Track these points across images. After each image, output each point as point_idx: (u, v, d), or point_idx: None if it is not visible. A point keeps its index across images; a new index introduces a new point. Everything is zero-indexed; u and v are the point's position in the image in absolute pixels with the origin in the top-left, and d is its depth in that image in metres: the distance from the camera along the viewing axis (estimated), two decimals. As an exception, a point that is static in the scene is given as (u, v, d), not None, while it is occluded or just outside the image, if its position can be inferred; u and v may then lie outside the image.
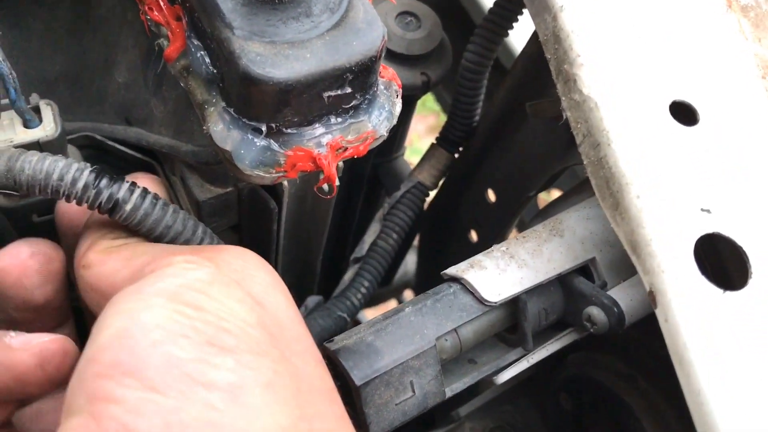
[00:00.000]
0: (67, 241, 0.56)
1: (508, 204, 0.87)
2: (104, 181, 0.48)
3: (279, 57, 0.45)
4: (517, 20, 0.76)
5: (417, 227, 0.97)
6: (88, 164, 0.49)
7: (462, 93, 0.81)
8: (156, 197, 0.50)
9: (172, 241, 0.50)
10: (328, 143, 0.49)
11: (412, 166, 0.92)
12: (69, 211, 0.56)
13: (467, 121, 0.85)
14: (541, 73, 0.72)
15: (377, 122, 0.51)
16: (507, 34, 0.77)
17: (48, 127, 0.57)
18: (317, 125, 0.49)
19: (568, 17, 0.50)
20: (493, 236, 0.94)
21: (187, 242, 0.50)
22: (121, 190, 0.49)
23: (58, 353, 0.46)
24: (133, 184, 0.49)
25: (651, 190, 0.45)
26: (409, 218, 0.87)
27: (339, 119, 0.50)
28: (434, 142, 0.90)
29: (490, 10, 0.76)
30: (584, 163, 0.49)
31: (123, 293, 0.39)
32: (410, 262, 1.31)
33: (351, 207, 1.00)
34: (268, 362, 0.37)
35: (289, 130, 0.48)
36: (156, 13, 0.53)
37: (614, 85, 0.48)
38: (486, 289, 0.51)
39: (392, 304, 1.54)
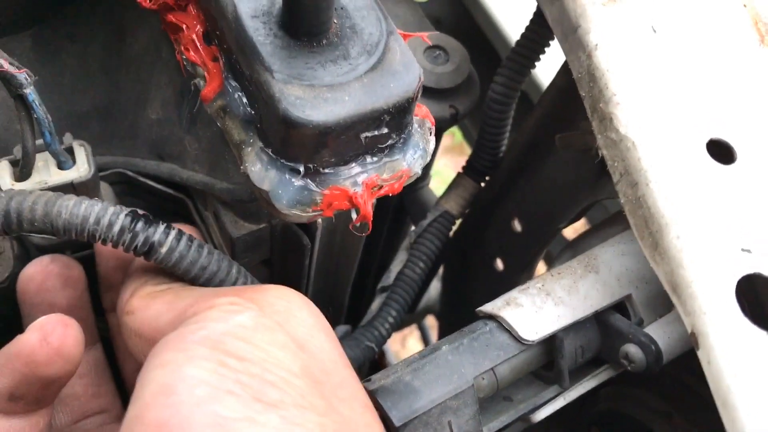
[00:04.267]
0: (105, 264, 0.57)
1: (535, 234, 0.87)
2: (140, 225, 0.49)
3: (318, 100, 0.45)
4: (544, 52, 0.76)
5: (443, 255, 0.97)
6: (124, 207, 0.50)
7: (489, 123, 0.82)
8: (191, 239, 0.50)
9: (208, 281, 0.50)
10: (363, 182, 0.50)
11: (436, 195, 0.92)
12: (105, 253, 0.57)
13: (494, 151, 0.85)
14: (570, 105, 0.72)
15: (412, 160, 0.51)
16: (534, 66, 0.77)
17: (82, 168, 0.58)
18: (353, 165, 0.49)
19: (603, 55, 0.51)
20: (519, 266, 0.93)
21: (222, 282, 0.51)
22: (157, 233, 0.49)
23: (59, 325, 0.45)
24: (169, 226, 0.50)
25: (690, 230, 0.45)
26: (436, 247, 0.87)
27: (375, 158, 0.50)
28: (461, 171, 0.90)
29: (518, 41, 0.76)
30: (621, 201, 0.49)
31: (165, 342, 0.39)
32: (433, 288, 1.30)
33: (376, 236, 1.01)
34: (313, 417, 0.37)
35: (326, 170, 0.49)
36: (192, 53, 0.53)
37: (651, 123, 0.48)
38: (523, 328, 0.51)
39: (413, 329, 1.54)
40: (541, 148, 0.79)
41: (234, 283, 0.51)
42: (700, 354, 0.43)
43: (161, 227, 0.49)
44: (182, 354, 0.38)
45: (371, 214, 0.50)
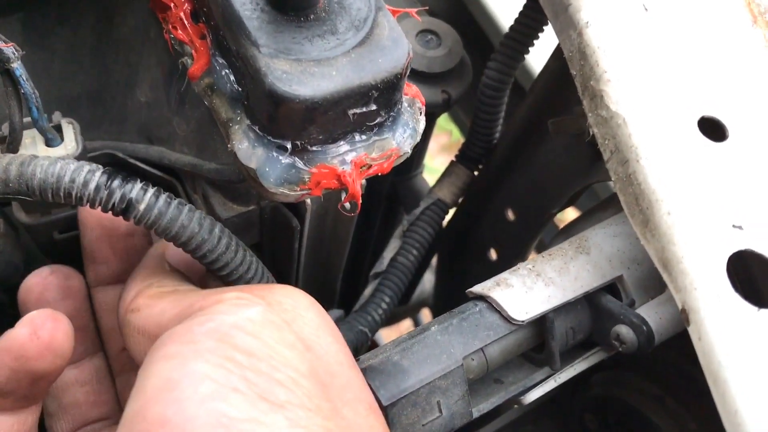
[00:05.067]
0: (89, 234, 0.56)
1: (528, 222, 0.86)
2: (116, 182, 0.47)
3: (305, 75, 0.45)
4: (538, 37, 0.75)
5: (436, 245, 0.96)
6: (100, 166, 0.49)
7: (482, 110, 0.81)
8: (171, 196, 0.49)
9: (190, 239, 0.49)
10: (352, 161, 0.49)
11: (429, 185, 0.92)
12: (90, 223, 0.56)
13: (487, 138, 0.84)
14: (563, 90, 0.72)
15: (401, 139, 0.51)
16: (528, 51, 0.77)
17: (69, 145, 0.57)
18: (342, 142, 0.49)
19: (594, 33, 0.50)
20: (512, 255, 0.93)
21: (204, 241, 0.49)
22: (134, 190, 0.48)
23: (49, 319, 0.44)
24: (147, 183, 0.49)
25: (681, 207, 0.45)
26: (429, 235, 0.86)
27: (363, 136, 0.49)
28: (454, 159, 0.89)
29: (511, 27, 0.76)
30: (612, 179, 0.49)
31: (171, 333, 0.38)
32: (427, 281, 1.30)
33: (369, 223, 1.00)
34: (319, 420, 0.36)
35: (313, 148, 0.48)
36: (180, 31, 0.53)
37: (642, 100, 0.48)
38: (513, 308, 0.51)
39: (408, 323, 1.53)
40: (534, 134, 0.79)
41: (218, 242, 0.50)
42: (690, 330, 0.43)
43: (138, 184, 0.48)
44: (188, 347, 0.37)
45: (360, 193, 0.50)
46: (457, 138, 2.29)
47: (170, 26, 0.53)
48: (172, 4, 0.53)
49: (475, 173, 0.89)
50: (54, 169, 0.47)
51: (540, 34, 0.76)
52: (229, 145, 0.49)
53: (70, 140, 0.58)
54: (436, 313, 1.25)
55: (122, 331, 0.48)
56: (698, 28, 0.53)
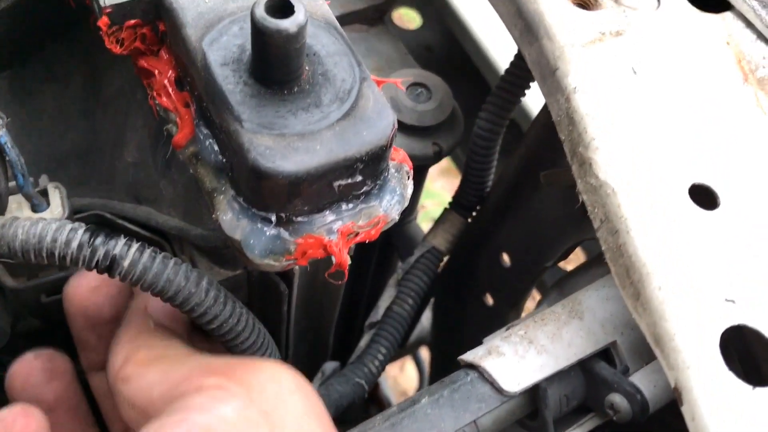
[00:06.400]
0: (75, 323, 0.55)
1: (523, 271, 0.86)
2: (99, 239, 0.47)
3: (288, 149, 0.44)
4: (529, 87, 0.75)
5: (432, 289, 0.95)
6: (83, 224, 0.48)
7: (474, 159, 0.81)
8: (156, 251, 0.49)
9: (176, 293, 0.48)
10: (339, 230, 0.49)
11: (423, 230, 0.91)
12: (77, 292, 0.55)
13: (480, 187, 0.84)
14: (555, 142, 0.71)
15: (388, 206, 0.50)
16: (519, 101, 0.76)
17: (56, 210, 0.57)
18: (327, 212, 0.48)
19: (582, 99, 0.50)
20: (509, 301, 0.92)
21: (190, 295, 0.49)
22: (118, 246, 0.47)
23: (19, 415, 0.44)
24: (130, 239, 0.48)
25: (673, 281, 0.44)
26: (425, 283, 0.86)
27: (350, 205, 0.49)
28: (447, 207, 0.89)
29: (502, 77, 0.75)
30: (603, 248, 0.48)
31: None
32: (425, 318, 1.29)
33: (363, 272, 0.99)
34: None
35: (299, 218, 0.47)
36: (164, 99, 0.52)
37: (631, 168, 0.47)
38: (505, 379, 0.50)
39: (408, 361, 1.52)
40: (527, 184, 0.78)
41: (206, 295, 0.49)
42: (683, 410, 0.42)
43: (122, 240, 0.47)
44: None
45: (347, 262, 0.49)
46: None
47: (155, 93, 0.53)
48: (156, 71, 0.53)
49: (469, 220, 0.89)
50: (35, 229, 0.47)
51: (532, 83, 0.76)
52: (213, 215, 0.48)
53: (57, 205, 0.57)
54: (434, 352, 1.23)
55: (115, 399, 0.48)
56: (688, 88, 0.52)
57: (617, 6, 0.55)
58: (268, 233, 0.47)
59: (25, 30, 0.65)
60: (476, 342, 0.84)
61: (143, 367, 0.47)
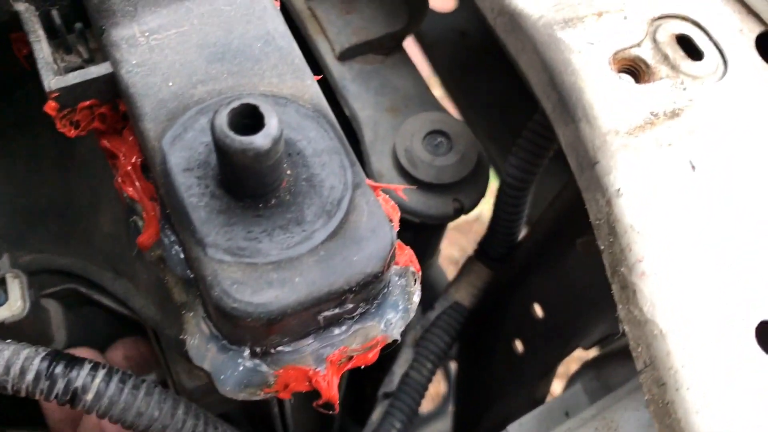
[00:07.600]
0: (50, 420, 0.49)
1: (558, 324, 0.77)
2: (59, 368, 0.41)
3: (261, 283, 0.36)
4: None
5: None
6: (42, 349, 0.42)
7: (503, 210, 0.71)
8: (124, 378, 0.43)
9: (147, 428, 0.43)
10: (328, 358, 0.41)
11: (446, 275, 0.82)
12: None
13: (509, 238, 0.75)
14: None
15: (389, 325, 0.42)
16: (552, 151, 0.67)
17: (15, 305, 0.50)
18: (313, 339, 0.40)
19: (627, 206, 0.40)
20: (541, 352, 0.83)
21: (165, 428, 0.44)
22: (80, 377, 0.41)
23: None
24: (96, 366, 0.42)
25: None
26: (446, 344, 0.77)
27: (342, 327, 0.41)
28: (472, 255, 0.80)
29: (529, 124, 0.66)
30: (645, 397, 0.39)
31: None
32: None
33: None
34: None
35: (279, 348, 0.40)
36: (129, 188, 0.44)
37: (686, 304, 0.38)
38: None
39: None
40: (561, 242, 0.69)
41: (182, 426, 0.44)
42: None
43: (86, 368, 0.42)
44: None
45: (337, 396, 0.41)
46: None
47: (119, 179, 0.45)
48: (120, 154, 0.45)
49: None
50: None
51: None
52: (181, 336, 0.41)
53: (16, 299, 0.50)
54: (458, 401, 1.14)
55: None
56: (764, 190, 0.42)
57: (675, 76, 0.45)
58: (242, 365, 0.40)
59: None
60: (504, 390, 0.76)
61: None
